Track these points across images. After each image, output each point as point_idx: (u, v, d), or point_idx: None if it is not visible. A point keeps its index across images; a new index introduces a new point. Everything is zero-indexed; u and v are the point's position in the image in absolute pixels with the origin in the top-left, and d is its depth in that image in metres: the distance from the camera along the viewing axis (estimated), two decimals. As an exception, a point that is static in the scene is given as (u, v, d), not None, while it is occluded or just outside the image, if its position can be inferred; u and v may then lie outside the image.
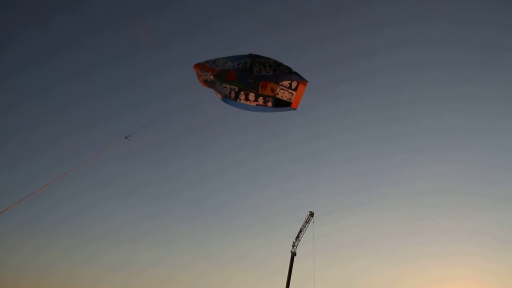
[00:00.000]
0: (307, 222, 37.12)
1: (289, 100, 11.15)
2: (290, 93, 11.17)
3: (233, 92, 11.46)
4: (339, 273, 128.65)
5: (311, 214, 37.20)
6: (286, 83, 11.20)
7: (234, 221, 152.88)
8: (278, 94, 11.16)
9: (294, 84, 11.28)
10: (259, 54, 11.31)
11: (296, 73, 11.10)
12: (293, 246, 37.04)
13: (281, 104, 11.26)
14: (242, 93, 11.27)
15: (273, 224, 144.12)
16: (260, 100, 11.29)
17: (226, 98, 11.70)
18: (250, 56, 11.40)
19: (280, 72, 11.07)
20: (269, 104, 11.26)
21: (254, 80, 11.18)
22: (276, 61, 11.11)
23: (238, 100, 11.35)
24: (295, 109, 11.19)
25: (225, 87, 11.37)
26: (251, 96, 11.27)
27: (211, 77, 11.59)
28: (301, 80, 11.13)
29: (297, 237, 37.10)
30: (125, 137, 11.49)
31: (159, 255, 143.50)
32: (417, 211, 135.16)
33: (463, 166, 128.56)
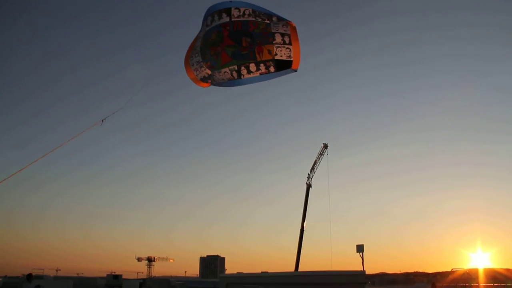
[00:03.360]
0: (321, 154, 36.63)
1: (289, 59, 10.41)
2: (287, 48, 10.40)
3: (234, 72, 10.67)
4: (354, 205, 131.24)
5: (325, 146, 36.59)
6: (279, 39, 10.35)
7: (253, 159, 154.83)
8: (276, 54, 10.40)
9: (287, 39, 10.43)
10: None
11: (278, 18, 10.44)
12: (308, 178, 37.01)
13: (283, 66, 10.55)
14: (242, 68, 10.57)
15: (289, 161, 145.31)
16: (262, 67, 10.57)
17: (231, 81, 10.83)
18: (223, 15, 10.46)
19: (264, 25, 10.38)
20: (272, 69, 10.55)
21: (248, 50, 10.42)
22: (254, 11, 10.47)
23: (242, 77, 10.65)
24: (295, 70, 10.48)
25: (225, 72, 10.65)
26: (252, 67, 10.56)
27: (208, 70, 10.71)
28: (288, 23, 10.46)
29: (312, 169, 36.88)
30: (102, 120, 10.94)
31: (178, 193, 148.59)
32: (428, 146, 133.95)
33: (469, 102, 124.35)
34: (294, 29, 10.43)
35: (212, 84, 11.03)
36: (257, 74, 10.58)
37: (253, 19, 10.59)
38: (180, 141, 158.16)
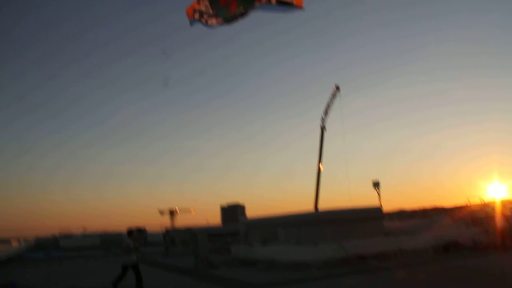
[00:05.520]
0: (333, 96, 36.24)
1: (290, 5, 10.14)
2: None
3: (240, 14, 10.48)
4: (370, 146, 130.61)
5: (337, 88, 36.15)
6: None
7: (264, 107, 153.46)
8: None
9: None
10: None
11: None
12: (322, 120, 36.82)
13: (285, 2, 10.25)
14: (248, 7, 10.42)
15: (303, 107, 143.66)
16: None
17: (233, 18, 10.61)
18: None
19: None
20: (273, 1, 10.22)
21: None
22: None
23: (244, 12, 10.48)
24: (301, 8, 10.13)
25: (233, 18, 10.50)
26: (257, 3, 10.38)
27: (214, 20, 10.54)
28: None
29: (325, 111, 36.64)
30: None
31: (192, 145, 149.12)
32: (442, 83, 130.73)
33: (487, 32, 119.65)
34: None
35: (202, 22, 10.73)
36: (257, 4, 10.29)
37: None
38: (191, 95, 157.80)
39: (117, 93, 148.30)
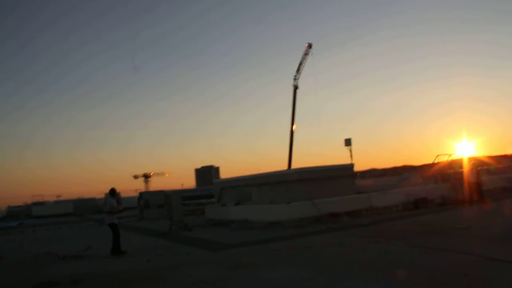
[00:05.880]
0: (305, 54, 35.77)
1: None
2: None
3: None
4: (341, 104, 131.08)
5: (309, 46, 35.64)
6: None
7: (237, 66, 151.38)
8: None
9: None
10: None
11: None
12: (294, 79, 36.51)
13: None
14: None
15: (273, 63, 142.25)
16: None
17: None
18: None
19: None
20: None
21: None
22: None
23: None
24: None
25: None
26: None
27: None
28: None
29: (298, 70, 36.26)
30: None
31: (163, 107, 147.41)
32: (413, 39, 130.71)
33: None
34: None
35: None
36: None
37: None
38: (161, 56, 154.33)
39: (88, 57, 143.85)
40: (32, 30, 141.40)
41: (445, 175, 25.51)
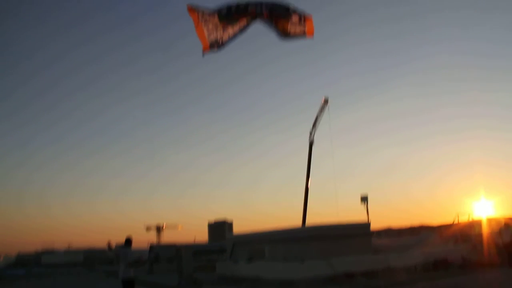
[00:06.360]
0: (322, 109, 35.93)
1: (301, 33, 11.03)
2: (302, 26, 10.97)
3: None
4: (358, 162, 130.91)
5: (325, 101, 35.85)
6: (296, 19, 10.84)
7: (253, 122, 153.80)
8: (290, 31, 10.91)
9: (302, 21, 11.03)
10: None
11: (296, 11, 10.81)
12: (310, 134, 36.41)
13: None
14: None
15: (292, 121, 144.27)
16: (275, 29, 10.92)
17: (241, 30, 10.80)
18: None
19: (281, 8, 10.71)
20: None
21: (267, 18, 10.73)
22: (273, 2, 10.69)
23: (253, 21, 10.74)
24: (311, 37, 11.07)
25: (240, 25, 10.69)
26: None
27: (221, 29, 10.46)
28: (305, 18, 10.95)
29: (314, 125, 36.25)
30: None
31: (184, 160, 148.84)
32: (427, 100, 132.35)
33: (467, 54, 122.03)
34: (310, 20, 10.91)
35: (219, 47, 10.56)
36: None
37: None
38: (181, 109, 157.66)
39: (112, 104, 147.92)
40: (50, 78, 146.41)
41: (464, 236, 24.68)
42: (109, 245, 12.63)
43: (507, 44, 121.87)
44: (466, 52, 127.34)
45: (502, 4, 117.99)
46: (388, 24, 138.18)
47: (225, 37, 10.45)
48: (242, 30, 10.57)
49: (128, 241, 12.26)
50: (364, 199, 32.42)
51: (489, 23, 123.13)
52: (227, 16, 10.27)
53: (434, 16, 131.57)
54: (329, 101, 35.95)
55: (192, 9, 10.10)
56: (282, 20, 10.62)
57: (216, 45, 10.41)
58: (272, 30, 10.74)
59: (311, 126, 36.49)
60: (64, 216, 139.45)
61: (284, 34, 10.76)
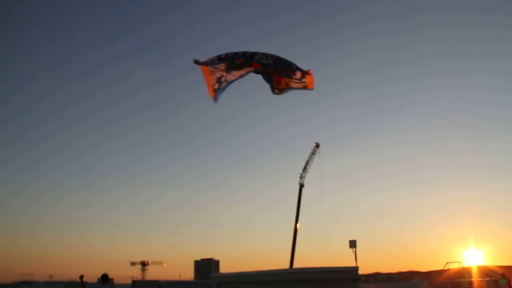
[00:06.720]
0: (313, 153, 36.21)
1: (303, 87, 11.58)
2: (303, 82, 11.52)
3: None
4: (348, 207, 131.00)
5: (317, 145, 36.15)
6: (298, 75, 11.41)
7: (246, 163, 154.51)
8: (293, 86, 11.52)
9: (303, 78, 11.58)
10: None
11: (298, 68, 11.37)
12: (300, 177, 36.52)
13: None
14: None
15: (283, 164, 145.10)
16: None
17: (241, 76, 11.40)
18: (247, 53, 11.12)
19: (282, 64, 11.24)
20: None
21: (269, 75, 11.34)
22: (277, 56, 11.22)
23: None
24: (311, 89, 11.59)
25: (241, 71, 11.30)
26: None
27: (224, 73, 11.05)
28: (306, 74, 11.45)
29: (304, 168, 36.44)
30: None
31: (176, 198, 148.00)
32: (418, 146, 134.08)
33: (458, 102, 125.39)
34: (310, 76, 11.48)
35: (220, 89, 11.00)
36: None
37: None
38: (169, 149, 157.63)
39: (102, 142, 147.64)
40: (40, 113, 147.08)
41: (455, 283, 24.37)
42: (81, 279, 12.29)
43: (496, 92, 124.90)
44: (455, 99, 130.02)
45: (494, 52, 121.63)
46: (378, 71, 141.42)
47: (230, 77, 10.98)
48: (244, 75, 11.08)
49: (104, 278, 11.99)
50: (353, 244, 32.11)
51: (480, 70, 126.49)
52: (232, 61, 10.76)
53: (422, 65, 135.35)
54: (320, 146, 36.39)
55: (199, 62, 10.57)
56: (285, 78, 11.16)
57: (219, 84, 10.84)
58: (269, 85, 11.29)
59: (302, 170, 36.67)
60: (54, 247, 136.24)
61: (287, 88, 11.26)
